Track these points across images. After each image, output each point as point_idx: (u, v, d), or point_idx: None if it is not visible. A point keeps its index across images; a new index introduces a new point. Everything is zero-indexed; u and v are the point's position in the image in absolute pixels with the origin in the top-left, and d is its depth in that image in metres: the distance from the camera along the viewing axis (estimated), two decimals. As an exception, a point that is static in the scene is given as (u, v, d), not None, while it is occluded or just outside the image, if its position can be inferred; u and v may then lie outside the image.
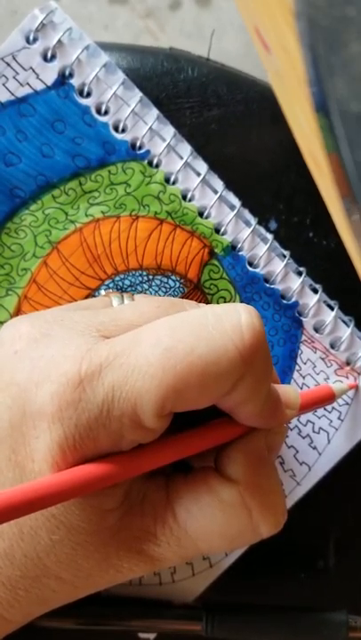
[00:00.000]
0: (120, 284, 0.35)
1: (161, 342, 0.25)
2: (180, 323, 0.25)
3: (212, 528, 0.27)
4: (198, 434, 0.27)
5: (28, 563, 0.26)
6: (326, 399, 0.33)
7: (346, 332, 0.35)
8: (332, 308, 0.35)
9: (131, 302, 0.31)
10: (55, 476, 0.24)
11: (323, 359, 0.36)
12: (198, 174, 0.35)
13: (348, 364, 0.36)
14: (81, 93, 0.34)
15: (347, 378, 0.36)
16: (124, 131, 0.34)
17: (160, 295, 0.35)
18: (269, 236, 0.35)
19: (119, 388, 0.24)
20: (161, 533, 0.27)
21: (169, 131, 0.34)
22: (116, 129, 0.34)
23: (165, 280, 0.35)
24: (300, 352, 0.36)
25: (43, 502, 0.23)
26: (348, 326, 0.36)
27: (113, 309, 0.29)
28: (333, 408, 0.36)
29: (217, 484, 0.28)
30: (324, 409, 0.36)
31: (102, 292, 0.34)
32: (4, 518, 0.22)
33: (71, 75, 0.33)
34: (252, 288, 0.35)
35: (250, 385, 0.26)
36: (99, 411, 0.24)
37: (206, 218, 0.35)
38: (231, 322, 0.25)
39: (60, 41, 0.33)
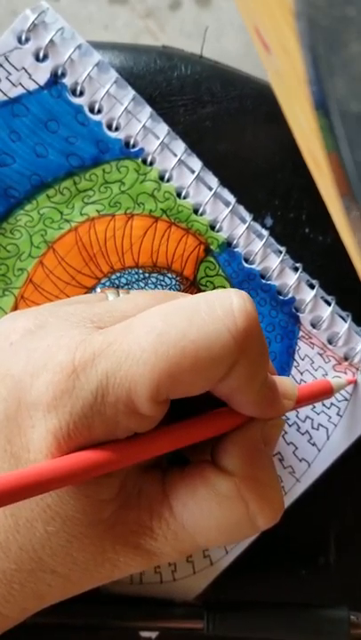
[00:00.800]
0: (116, 282, 0.35)
1: (154, 328, 0.25)
2: (173, 309, 0.25)
3: (208, 521, 0.27)
4: (195, 423, 0.27)
5: (24, 555, 0.26)
6: (325, 393, 0.33)
7: (343, 327, 0.35)
8: (329, 304, 0.35)
9: (126, 295, 0.31)
10: (49, 462, 0.24)
11: (321, 355, 0.36)
12: (193, 171, 0.35)
13: (346, 359, 0.36)
14: (74, 93, 0.34)
15: (345, 373, 0.36)
16: (117, 129, 0.34)
17: (156, 293, 0.35)
18: (265, 232, 0.35)
19: (113, 374, 0.24)
20: (157, 527, 0.27)
21: (163, 128, 0.34)
22: (109, 127, 0.34)
23: (161, 278, 0.35)
24: (297, 348, 0.36)
25: (35, 488, 0.23)
26: (345, 321, 0.35)
27: (108, 302, 0.29)
28: (332, 404, 0.36)
29: (213, 476, 0.28)
30: (323, 405, 0.36)
31: (99, 289, 0.34)
32: None
33: (63, 74, 0.34)
34: (249, 284, 0.35)
35: (245, 370, 0.26)
36: (93, 397, 0.24)
37: (201, 215, 0.35)
38: (223, 306, 0.25)
39: (51, 41, 0.33)
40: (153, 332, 0.25)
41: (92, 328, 0.26)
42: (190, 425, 0.27)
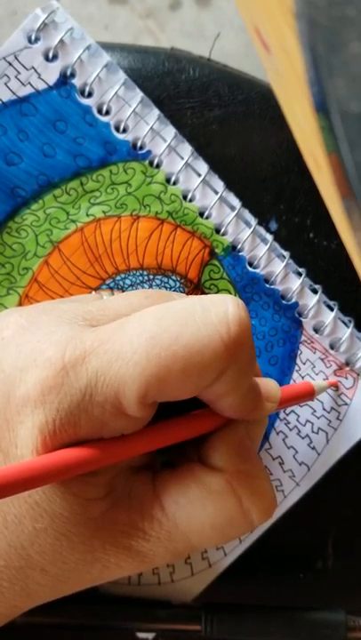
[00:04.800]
0: (121, 283, 0.35)
1: (146, 330, 0.25)
2: (167, 311, 0.25)
3: (202, 519, 0.27)
4: (179, 423, 0.27)
5: (12, 552, 0.26)
6: (306, 395, 0.34)
7: (345, 332, 0.36)
8: (331, 309, 0.36)
9: (120, 294, 0.31)
10: (31, 460, 0.24)
11: (322, 360, 0.36)
12: (199, 175, 0.35)
13: (347, 364, 0.36)
14: (82, 93, 0.34)
15: (346, 378, 0.36)
16: (125, 131, 0.34)
17: (160, 295, 0.35)
18: (269, 237, 0.35)
19: (103, 373, 0.24)
20: (150, 528, 0.27)
21: (170, 131, 0.34)
22: (117, 129, 0.34)
23: (166, 280, 0.35)
24: (299, 352, 0.36)
25: (17, 486, 0.23)
26: (347, 327, 0.36)
27: (102, 300, 0.29)
28: (333, 408, 0.36)
29: (203, 474, 0.28)
30: (323, 409, 0.36)
31: (93, 292, 0.34)
32: None
33: (73, 74, 0.33)
34: (253, 288, 0.35)
35: (232, 377, 0.26)
36: (81, 395, 0.24)
37: (207, 218, 0.35)
38: (218, 313, 0.25)
39: (61, 40, 0.33)
40: (146, 333, 0.24)
41: (84, 325, 0.26)
42: (174, 424, 0.27)
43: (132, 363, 0.24)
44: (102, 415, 0.25)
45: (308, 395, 0.34)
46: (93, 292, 0.34)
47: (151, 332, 0.25)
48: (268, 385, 0.29)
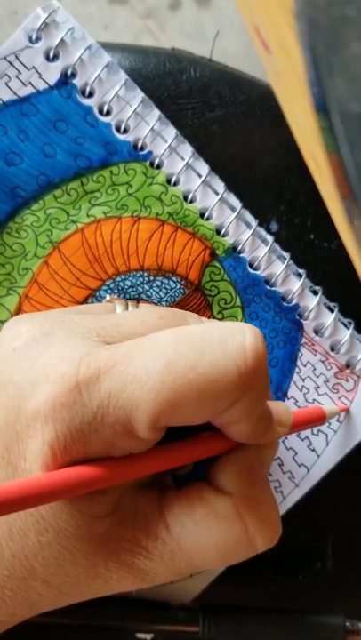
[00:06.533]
0: (121, 284, 0.35)
1: (163, 355, 0.24)
2: (184, 336, 0.25)
3: (207, 541, 0.27)
4: (189, 445, 0.27)
5: (16, 563, 0.26)
6: (317, 420, 0.34)
7: (346, 334, 0.35)
8: (332, 311, 0.35)
9: (134, 310, 0.31)
10: (39, 476, 0.24)
11: (323, 362, 0.36)
12: (200, 176, 0.35)
13: (347, 366, 0.36)
14: (83, 93, 0.34)
15: (346, 381, 0.36)
16: (126, 131, 0.34)
17: (161, 296, 0.35)
18: (270, 238, 0.35)
19: (116, 395, 0.24)
20: (153, 547, 0.27)
21: (170, 132, 0.34)
22: (118, 129, 0.34)
23: (166, 281, 0.35)
24: (300, 354, 0.36)
25: (22, 503, 0.23)
26: (347, 329, 0.36)
27: (115, 315, 0.29)
28: (333, 410, 0.36)
29: (211, 496, 0.28)
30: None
31: (108, 297, 0.34)
32: None
33: (74, 74, 0.33)
34: (253, 290, 0.35)
35: (246, 406, 0.26)
36: (93, 415, 0.24)
37: (208, 219, 0.35)
38: (235, 343, 0.25)
39: (62, 40, 0.33)
40: (162, 358, 0.24)
41: (97, 342, 0.26)
42: (183, 446, 0.27)
43: (146, 387, 0.24)
44: (113, 435, 0.25)
45: (320, 420, 0.34)
46: (108, 297, 0.34)
47: (168, 357, 0.24)
48: (279, 409, 0.29)
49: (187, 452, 0.27)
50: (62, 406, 0.24)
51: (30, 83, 0.33)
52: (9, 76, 0.33)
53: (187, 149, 0.34)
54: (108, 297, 0.34)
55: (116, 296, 0.35)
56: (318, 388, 0.36)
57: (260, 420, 0.27)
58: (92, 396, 0.24)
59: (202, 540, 0.27)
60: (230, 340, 0.25)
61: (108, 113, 0.34)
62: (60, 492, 0.24)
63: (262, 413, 0.27)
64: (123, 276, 0.35)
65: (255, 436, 0.27)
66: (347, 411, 0.36)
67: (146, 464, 0.26)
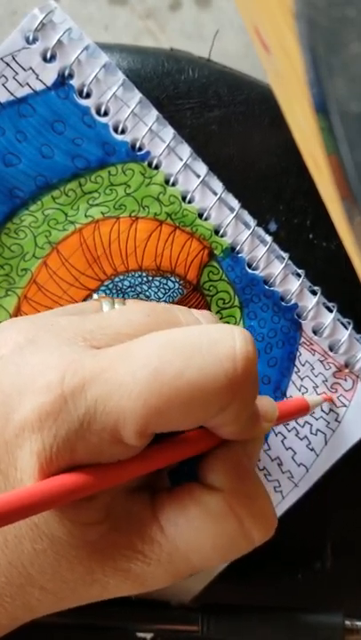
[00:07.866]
0: (119, 284, 0.35)
1: (150, 362, 0.24)
2: (172, 342, 0.25)
3: (203, 540, 0.27)
4: (175, 444, 0.27)
5: (13, 570, 0.26)
6: (301, 411, 0.34)
7: (344, 334, 0.35)
8: (330, 311, 0.35)
9: (120, 308, 0.30)
10: (28, 487, 0.23)
11: (321, 362, 0.36)
12: (198, 176, 0.35)
13: (346, 366, 0.36)
14: (81, 94, 0.34)
15: (345, 380, 0.36)
16: (123, 132, 0.34)
17: (159, 296, 0.35)
18: (268, 238, 0.35)
19: (102, 402, 0.24)
20: (150, 551, 0.27)
21: (168, 132, 0.34)
22: (115, 130, 0.34)
23: (165, 281, 0.35)
24: (298, 354, 0.36)
25: (8, 517, 0.23)
26: (346, 329, 0.36)
27: (101, 315, 0.28)
28: (331, 410, 0.36)
29: (202, 494, 0.27)
30: (322, 411, 0.36)
31: (95, 295, 0.34)
32: None
33: (71, 75, 0.33)
34: (252, 290, 0.35)
35: (235, 410, 0.25)
36: (79, 423, 0.24)
37: (206, 219, 0.35)
38: (225, 348, 0.25)
39: (59, 41, 0.33)
40: (149, 365, 0.24)
41: (84, 347, 0.26)
42: (169, 446, 0.27)
43: (133, 395, 0.24)
44: (100, 443, 0.24)
45: (303, 410, 0.34)
46: (95, 295, 0.34)
47: (154, 364, 0.24)
48: (265, 405, 0.29)
49: (173, 451, 0.27)
50: (48, 416, 0.24)
51: (27, 83, 0.33)
52: (6, 77, 0.33)
53: (185, 150, 0.34)
54: (95, 295, 0.34)
55: (112, 296, 0.35)
56: (317, 387, 0.36)
57: (248, 420, 0.27)
58: (77, 404, 0.24)
59: (197, 538, 0.27)
60: (220, 346, 0.25)
61: (106, 113, 0.34)
62: (44, 503, 0.23)
63: (251, 414, 0.27)
64: (121, 277, 0.35)
65: (243, 435, 0.27)
66: (330, 400, 0.36)
67: (132, 467, 0.26)
